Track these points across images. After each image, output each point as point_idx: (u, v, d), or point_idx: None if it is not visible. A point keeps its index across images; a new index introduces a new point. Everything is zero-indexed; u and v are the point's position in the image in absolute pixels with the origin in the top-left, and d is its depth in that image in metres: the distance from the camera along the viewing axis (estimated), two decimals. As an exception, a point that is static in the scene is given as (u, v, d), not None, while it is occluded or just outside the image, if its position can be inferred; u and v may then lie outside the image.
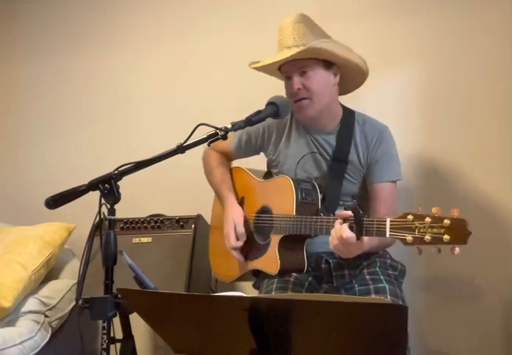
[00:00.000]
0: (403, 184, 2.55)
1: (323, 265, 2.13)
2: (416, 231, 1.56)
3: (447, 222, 1.50)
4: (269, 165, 2.33)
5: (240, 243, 2.18)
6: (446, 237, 1.50)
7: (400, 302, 1.97)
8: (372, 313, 1.34)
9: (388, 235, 1.65)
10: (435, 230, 1.52)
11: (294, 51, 2.04)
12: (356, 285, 2.07)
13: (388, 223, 1.65)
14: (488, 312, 2.49)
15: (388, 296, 1.96)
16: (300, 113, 2.14)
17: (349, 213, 1.77)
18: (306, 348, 1.47)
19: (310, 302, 1.43)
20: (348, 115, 2.19)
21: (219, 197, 2.35)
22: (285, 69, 2.14)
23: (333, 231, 1.80)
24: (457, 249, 1.51)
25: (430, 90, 2.62)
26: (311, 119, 2.16)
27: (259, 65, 2.18)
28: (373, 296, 1.99)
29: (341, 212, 1.82)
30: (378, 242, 1.93)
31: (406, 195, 2.56)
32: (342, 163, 2.14)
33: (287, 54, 2.05)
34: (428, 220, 1.54)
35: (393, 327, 1.34)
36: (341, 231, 1.75)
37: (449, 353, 2.58)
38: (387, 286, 2.01)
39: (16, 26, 3.50)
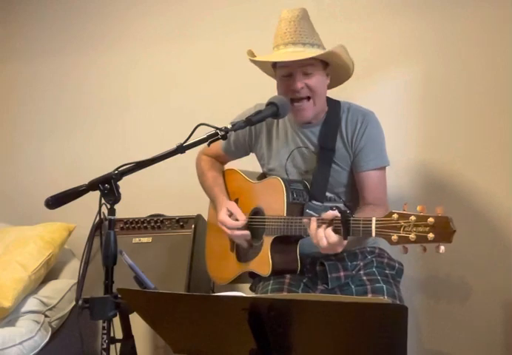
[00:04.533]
0: (400, 185, 2.56)
1: (318, 267, 2.12)
2: (402, 229, 1.57)
3: (431, 220, 1.50)
4: (260, 164, 2.31)
5: (239, 223, 2.13)
6: (430, 235, 1.50)
7: (398, 302, 1.97)
8: (372, 313, 1.34)
9: (373, 235, 1.66)
10: (420, 228, 1.53)
11: (300, 48, 2.00)
12: (353, 286, 2.06)
13: (373, 223, 1.66)
14: (486, 312, 2.48)
15: (386, 297, 1.95)
16: (299, 115, 2.09)
17: (336, 213, 1.77)
18: (306, 348, 1.47)
19: (310, 302, 1.43)
20: (334, 104, 2.17)
21: (212, 200, 2.34)
22: (285, 65, 2.06)
23: (318, 232, 1.80)
24: (442, 248, 1.50)
25: (430, 90, 2.61)
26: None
27: (267, 59, 2.09)
28: (370, 296, 1.98)
29: (327, 213, 1.81)
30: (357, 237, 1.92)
31: (405, 196, 2.57)
32: (330, 151, 2.11)
33: (296, 54, 1.99)
34: (412, 218, 1.54)
35: (393, 327, 1.34)
36: (326, 236, 1.77)
37: (447, 354, 2.58)
38: (384, 286, 2.01)
39: (13, 26, 3.50)
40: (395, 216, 1.59)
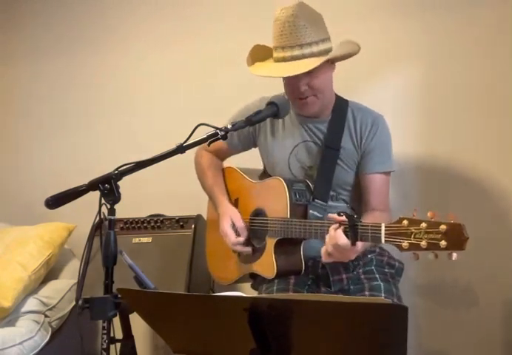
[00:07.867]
0: (403, 185, 2.56)
1: (320, 270, 2.11)
2: (412, 236, 1.52)
3: (443, 227, 1.46)
4: (262, 157, 2.28)
5: (241, 239, 2.13)
6: (443, 242, 1.46)
7: (395, 300, 1.97)
8: (372, 313, 1.34)
9: (383, 241, 1.62)
10: (431, 235, 1.48)
11: (297, 52, 1.97)
12: (351, 286, 2.06)
13: (383, 229, 1.62)
14: (488, 315, 2.48)
15: (382, 294, 1.96)
16: (304, 110, 2.09)
17: (343, 218, 1.73)
18: (306, 348, 1.47)
19: (310, 302, 1.43)
20: (341, 102, 2.16)
21: (212, 201, 2.32)
22: None
23: (327, 238, 1.77)
24: (455, 255, 1.47)
25: (430, 90, 2.61)
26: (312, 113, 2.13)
27: (264, 75, 2.04)
28: (367, 293, 1.99)
29: (334, 216, 1.78)
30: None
31: (406, 196, 2.57)
32: (334, 150, 2.10)
33: (293, 66, 1.96)
34: (423, 225, 1.50)
35: (393, 327, 1.33)
36: (336, 238, 1.73)
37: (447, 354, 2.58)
38: (382, 284, 2.01)
39: (18, 26, 3.50)
40: (405, 222, 1.54)
